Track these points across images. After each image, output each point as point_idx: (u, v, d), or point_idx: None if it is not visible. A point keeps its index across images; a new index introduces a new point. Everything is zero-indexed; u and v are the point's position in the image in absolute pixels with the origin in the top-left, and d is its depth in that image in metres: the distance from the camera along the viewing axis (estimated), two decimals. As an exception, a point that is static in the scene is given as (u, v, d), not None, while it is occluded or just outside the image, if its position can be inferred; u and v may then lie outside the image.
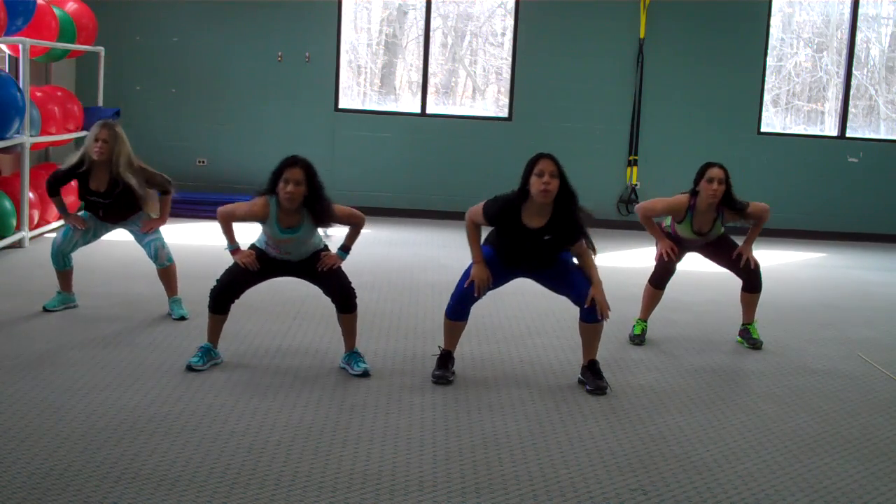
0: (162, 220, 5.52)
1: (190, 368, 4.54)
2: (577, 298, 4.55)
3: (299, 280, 4.79)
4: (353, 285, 4.68)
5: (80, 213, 5.53)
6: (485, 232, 4.58)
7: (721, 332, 5.78)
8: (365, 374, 4.60)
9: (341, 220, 4.68)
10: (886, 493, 3.57)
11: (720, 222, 5.37)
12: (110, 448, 3.58)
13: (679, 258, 5.46)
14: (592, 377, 4.58)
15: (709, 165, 5.27)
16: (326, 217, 4.54)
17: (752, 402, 4.53)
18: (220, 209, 4.65)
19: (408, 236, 8.93)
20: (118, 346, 4.90)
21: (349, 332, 4.72)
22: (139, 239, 5.51)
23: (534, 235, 4.41)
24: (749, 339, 5.50)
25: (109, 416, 3.92)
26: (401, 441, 3.82)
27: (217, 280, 4.65)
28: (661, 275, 5.45)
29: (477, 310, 4.78)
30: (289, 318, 5.57)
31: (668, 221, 5.49)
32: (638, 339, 5.45)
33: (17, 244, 7.34)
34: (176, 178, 9.65)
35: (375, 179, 10.06)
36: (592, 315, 4.53)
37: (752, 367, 5.15)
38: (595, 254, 4.53)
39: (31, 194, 7.54)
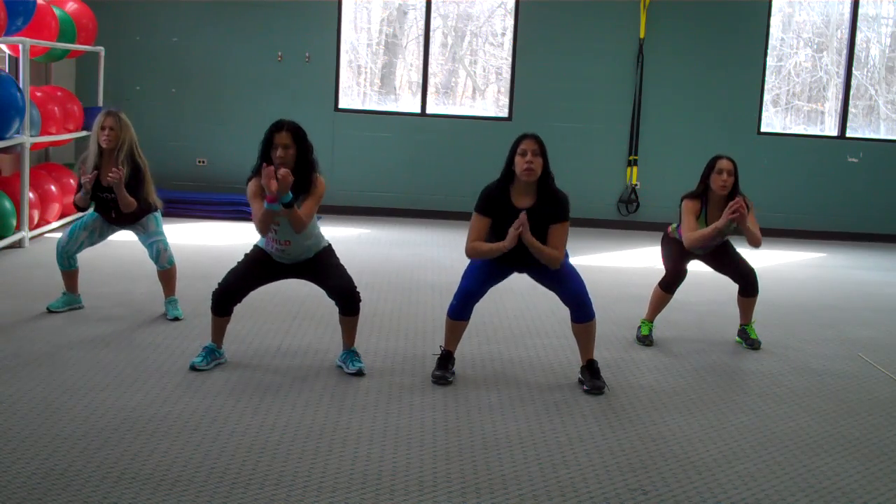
0: (121, 188, 5.19)
1: (193, 368, 4.53)
2: (566, 297, 4.57)
3: (299, 280, 4.78)
4: (357, 289, 4.66)
5: (89, 213, 5.50)
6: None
7: (721, 333, 5.78)
8: (360, 374, 4.60)
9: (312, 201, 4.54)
10: (886, 493, 3.57)
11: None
12: (110, 448, 3.58)
13: (686, 261, 5.45)
14: (590, 377, 4.58)
15: (718, 158, 5.35)
16: (306, 183, 4.47)
17: (752, 402, 4.53)
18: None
19: (408, 236, 8.93)
20: (118, 346, 4.90)
21: (349, 332, 4.72)
22: (143, 240, 5.51)
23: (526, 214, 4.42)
24: (747, 339, 5.50)
25: (109, 416, 3.91)
26: (401, 441, 3.82)
27: (219, 282, 4.63)
28: (671, 280, 5.43)
29: (477, 310, 4.77)
30: (289, 318, 5.57)
31: (674, 227, 5.49)
32: (647, 340, 5.43)
33: (17, 244, 7.34)
34: (176, 178, 9.86)
35: (375, 179, 10.06)
36: (581, 314, 4.56)
37: (752, 367, 5.15)
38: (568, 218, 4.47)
39: (31, 194, 7.54)
